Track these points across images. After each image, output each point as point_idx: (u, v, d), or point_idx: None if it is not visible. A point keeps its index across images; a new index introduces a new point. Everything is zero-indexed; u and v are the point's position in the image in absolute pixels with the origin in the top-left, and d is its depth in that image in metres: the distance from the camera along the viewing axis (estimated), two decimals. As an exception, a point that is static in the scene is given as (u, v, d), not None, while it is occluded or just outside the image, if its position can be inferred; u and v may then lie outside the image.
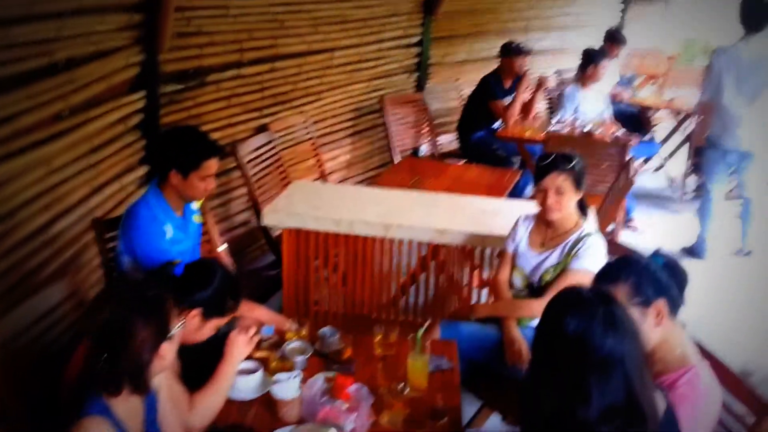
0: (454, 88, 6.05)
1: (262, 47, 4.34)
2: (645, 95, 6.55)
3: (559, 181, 2.56)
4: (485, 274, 3.33)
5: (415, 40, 5.78)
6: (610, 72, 5.71)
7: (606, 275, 1.84)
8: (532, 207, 2.76)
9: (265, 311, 2.62)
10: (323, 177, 4.81)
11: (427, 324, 2.30)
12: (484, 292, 3.37)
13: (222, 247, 3.18)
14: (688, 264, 4.41)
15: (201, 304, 2.10)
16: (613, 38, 6.35)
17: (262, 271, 4.46)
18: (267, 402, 2.07)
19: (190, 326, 2.06)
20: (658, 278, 1.77)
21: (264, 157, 4.19)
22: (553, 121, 5.17)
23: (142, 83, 3.50)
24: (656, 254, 1.90)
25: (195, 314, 2.08)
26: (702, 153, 4.88)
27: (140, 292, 1.71)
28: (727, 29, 9.37)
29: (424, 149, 5.69)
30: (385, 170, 5.07)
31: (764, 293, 4.29)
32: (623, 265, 1.83)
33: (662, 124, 6.80)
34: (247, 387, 2.12)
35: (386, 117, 5.31)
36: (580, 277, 2.51)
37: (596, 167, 4.15)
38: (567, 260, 2.58)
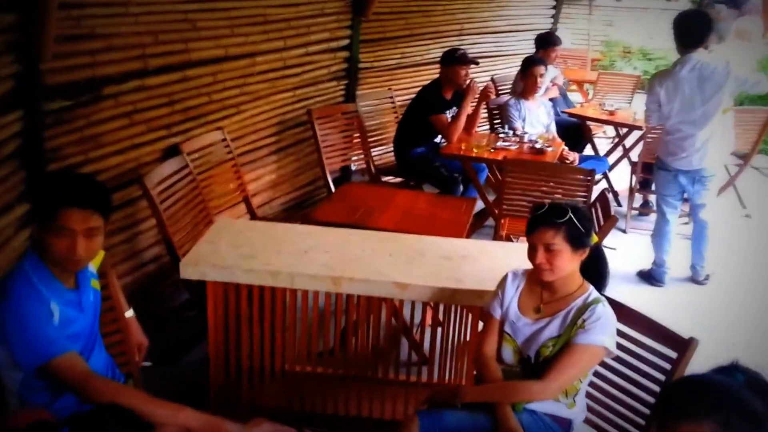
0: (387, 96, 5.52)
1: (171, 52, 3.70)
2: (582, 105, 6.29)
3: (548, 237, 2.10)
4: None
5: (343, 43, 5.24)
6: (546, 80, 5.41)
7: (680, 407, 1.31)
8: (503, 248, 2.26)
9: (193, 415, 1.94)
10: (247, 201, 4.20)
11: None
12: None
13: (129, 313, 2.51)
14: (645, 291, 4.26)
15: None
16: (547, 42, 6.06)
17: (179, 312, 3.81)
18: None
19: None
20: (752, 410, 1.28)
21: (178, 186, 3.51)
22: (500, 136, 4.74)
23: (20, 100, 2.85)
24: (735, 368, 1.40)
25: None
26: (652, 172, 4.60)
27: None
28: (648, 32, 9.46)
29: (358, 165, 5.17)
30: (321, 202, 4.45)
31: (727, 319, 4.04)
32: (705, 393, 1.32)
33: (599, 135, 6.51)
34: None
35: (315, 130, 4.74)
36: (590, 354, 2.09)
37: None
38: (571, 332, 2.10)
